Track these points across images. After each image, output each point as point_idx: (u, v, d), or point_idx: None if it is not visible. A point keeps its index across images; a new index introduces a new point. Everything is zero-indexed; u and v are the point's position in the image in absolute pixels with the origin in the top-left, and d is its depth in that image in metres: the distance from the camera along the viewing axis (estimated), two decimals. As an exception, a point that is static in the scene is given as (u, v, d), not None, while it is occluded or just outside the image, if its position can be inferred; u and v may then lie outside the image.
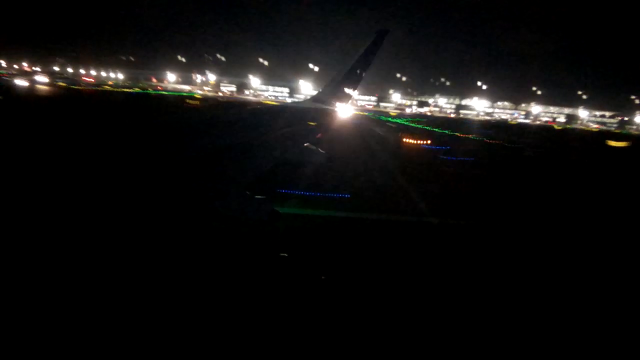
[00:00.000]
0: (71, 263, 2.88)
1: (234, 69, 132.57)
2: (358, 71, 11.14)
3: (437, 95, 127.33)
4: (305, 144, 7.76)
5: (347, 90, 11.35)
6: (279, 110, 12.01)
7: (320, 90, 12.96)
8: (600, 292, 9.48)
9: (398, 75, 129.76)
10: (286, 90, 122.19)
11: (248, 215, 4.53)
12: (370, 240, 11.50)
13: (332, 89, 11.47)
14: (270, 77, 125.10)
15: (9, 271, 2.67)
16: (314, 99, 12.71)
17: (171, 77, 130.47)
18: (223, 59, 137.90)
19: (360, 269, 9.51)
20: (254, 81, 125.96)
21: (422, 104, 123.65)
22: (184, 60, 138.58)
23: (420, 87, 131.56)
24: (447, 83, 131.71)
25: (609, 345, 7.56)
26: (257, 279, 8.06)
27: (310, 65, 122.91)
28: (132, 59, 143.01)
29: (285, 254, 9.48)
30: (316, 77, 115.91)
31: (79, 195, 3.49)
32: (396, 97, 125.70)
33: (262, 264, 8.76)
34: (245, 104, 74.13)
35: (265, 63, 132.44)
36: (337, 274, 8.97)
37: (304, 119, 9.84)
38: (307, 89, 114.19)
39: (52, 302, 2.63)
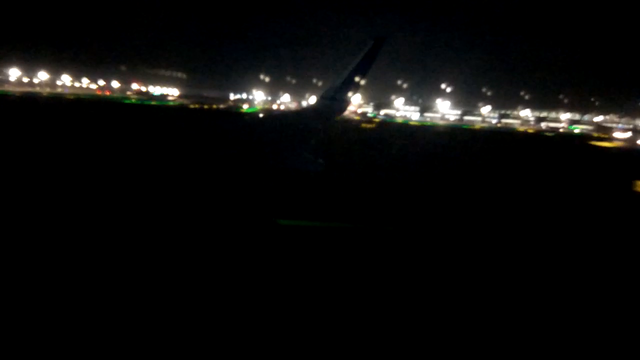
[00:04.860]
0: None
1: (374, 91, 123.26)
2: (355, 79, 10.73)
3: (519, 107, 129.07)
4: (302, 153, 7.79)
5: (342, 99, 11.09)
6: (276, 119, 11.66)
7: (314, 100, 13.01)
8: None
9: (484, 89, 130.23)
10: (416, 108, 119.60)
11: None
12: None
13: (326, 98, 11.16)
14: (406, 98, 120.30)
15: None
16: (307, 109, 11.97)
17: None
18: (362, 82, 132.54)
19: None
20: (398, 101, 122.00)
21: (503, 116, 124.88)
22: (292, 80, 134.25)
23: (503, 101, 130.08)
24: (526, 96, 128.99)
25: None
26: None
27: (442, 86, 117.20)
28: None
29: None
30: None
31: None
32: (485, 109, 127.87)
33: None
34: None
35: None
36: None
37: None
38: (443, 106, 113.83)
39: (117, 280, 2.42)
